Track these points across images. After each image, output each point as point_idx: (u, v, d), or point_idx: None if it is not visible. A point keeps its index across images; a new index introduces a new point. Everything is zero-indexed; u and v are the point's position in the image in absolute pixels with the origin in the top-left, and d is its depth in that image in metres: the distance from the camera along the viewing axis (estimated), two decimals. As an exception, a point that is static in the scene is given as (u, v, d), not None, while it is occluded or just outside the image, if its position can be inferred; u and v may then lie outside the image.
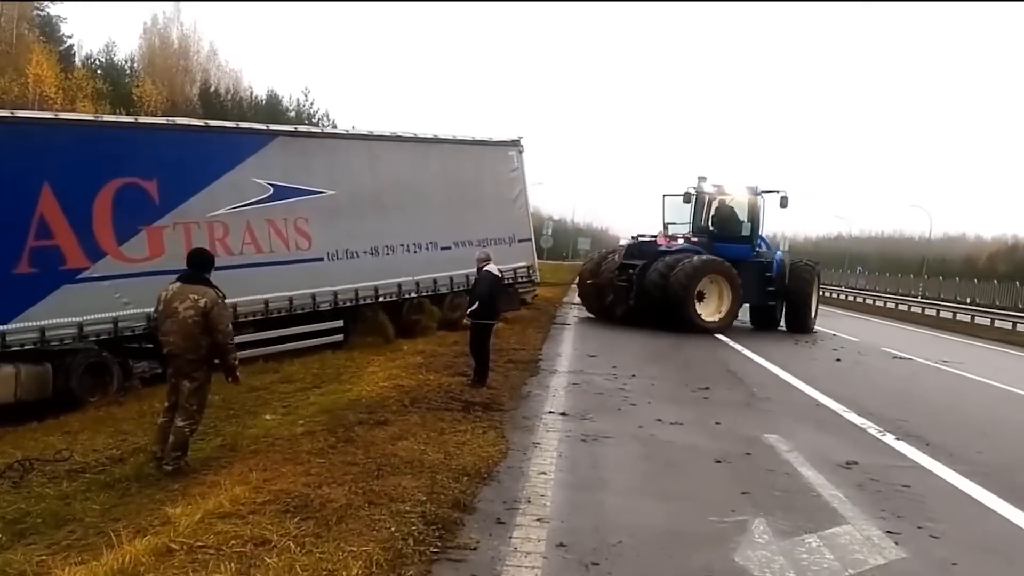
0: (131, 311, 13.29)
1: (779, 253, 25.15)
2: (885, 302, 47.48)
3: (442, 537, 5.64)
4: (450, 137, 20.30)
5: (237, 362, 8.00)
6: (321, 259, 16.43)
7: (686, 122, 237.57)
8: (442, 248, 18.62)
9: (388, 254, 17.69)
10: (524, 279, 21.32)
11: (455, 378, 12.32)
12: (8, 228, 12.22)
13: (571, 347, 17.53)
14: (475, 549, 5.54)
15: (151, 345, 12.73)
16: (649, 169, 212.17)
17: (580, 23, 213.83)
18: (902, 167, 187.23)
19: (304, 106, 74.76)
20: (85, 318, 12.91)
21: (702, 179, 23.98)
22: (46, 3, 59.88)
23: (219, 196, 14.86)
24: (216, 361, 7.93)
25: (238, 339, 13.91)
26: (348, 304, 16.85)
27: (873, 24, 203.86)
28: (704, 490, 7.48)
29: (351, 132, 18.80)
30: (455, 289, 18.88)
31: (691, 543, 6.03)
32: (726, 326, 21.66)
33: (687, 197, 23.72)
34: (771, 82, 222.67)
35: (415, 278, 18.14)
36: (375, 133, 18.68)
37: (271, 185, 15.68)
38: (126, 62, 65.44)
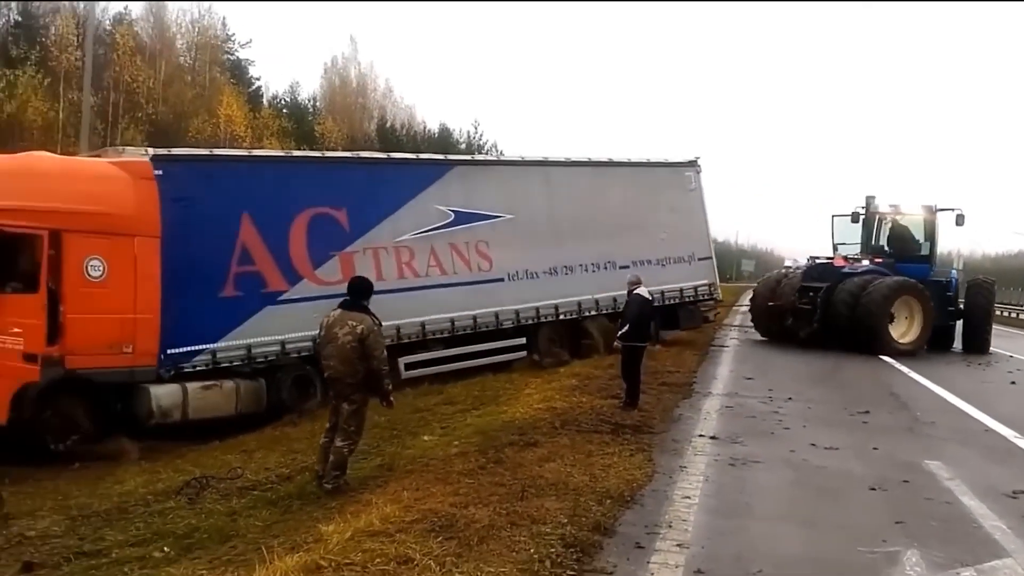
0: None
1: (953, 271, 24.53)
2: (1070, 322, 43.78)
3: (580, 560, 5.76)
4: (625, 160, 20.94)
5: (391, 387, 8.40)
6: (502, 279, 17.34)
7: (851, 140, 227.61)
8: (620, 267, 18.83)
9: (567, 274, 18.37)
10: (705, 296, 21.41)
11: (607, 400, 12.37)
12: (214, 256, 13.46)
13: (728, 369, 17.31)
14: (611, 573, 5.63)
15: None
16: (814, 188, 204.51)
17: (741, 45, 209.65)
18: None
19: (474, 138, 76.62)
20: (287, 336, 14.03)
21: (871, 198, 23.55)
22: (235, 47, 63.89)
23: (404, 223, 15.98)
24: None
25: (429, 355, 15.61)
26: (530, 322, 17.66)
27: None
28: (855, 518, 7.31)
29: (527, 159, 19.52)
30: None
31: (837, 574, 5.93)
32: (918, 349, 21.07)
33: (855, 217, 23.35)
34: (938, 97, 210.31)
35: (595, 296, 18.62)
36: (551, 159, 19.51)
37: (452, 211, 16.70)
38: (309, 101, 68.81)
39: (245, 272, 13.81)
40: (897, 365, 18.72)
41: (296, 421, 13.36)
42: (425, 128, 75.47)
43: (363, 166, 16.91)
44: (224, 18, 63.58)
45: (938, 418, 12.58)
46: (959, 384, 16.21)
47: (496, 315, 17.07)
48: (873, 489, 8.26)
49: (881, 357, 19.82)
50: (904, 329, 21.07)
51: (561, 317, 18.15)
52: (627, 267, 18.62)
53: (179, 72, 56.35)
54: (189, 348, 13.21)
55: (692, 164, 21.53)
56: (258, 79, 66.98)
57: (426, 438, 10.46)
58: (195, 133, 48.92)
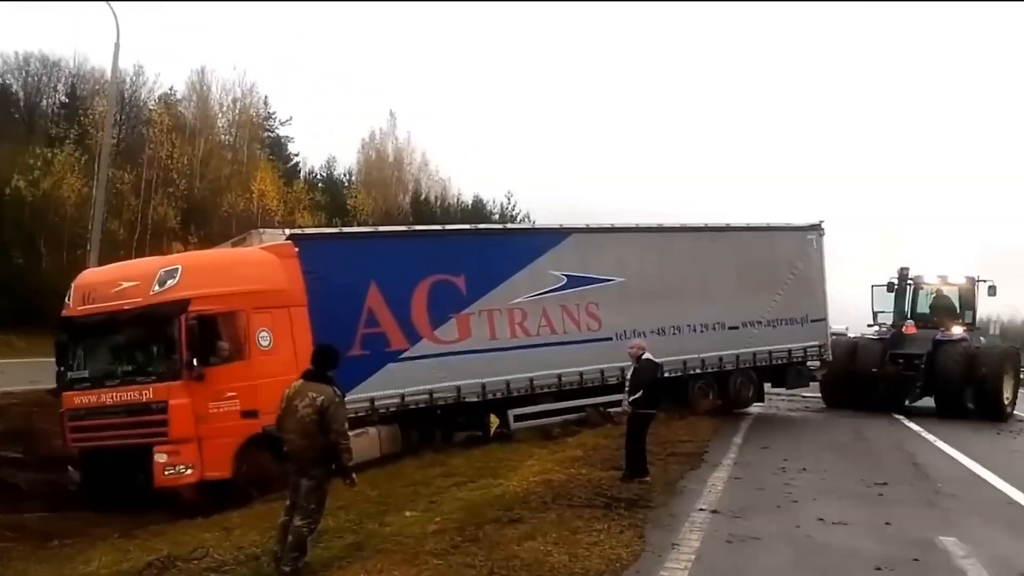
0: (444, 384, 15.81)
1: (981, 339, 25.01)
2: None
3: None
4: (741, 225, 21.29)
5: (351, 462, 7.86)
6: (610, 339, 17.85)
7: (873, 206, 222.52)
8: (729, 328, 19.50)
9: (674, 333, 18.92)
10: (815, 357, 21.59)
11: (608, 472, 11.83)
12: (344, 319, 14.56)
13: (743, 438, 16.68)
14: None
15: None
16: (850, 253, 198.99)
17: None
18: None
19: (507, 208, 76.64)
20: (406, 389, 15.30)
21: (905, 269, 24.39)
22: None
23: (518, 287, 17.12)
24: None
25: (536, 408, 17.10)
26: None
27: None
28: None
29: (640, 226, 20.11)
30: (741, 366, 19.80)
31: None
32: (1012, 413, 21.87)
33: (891, 286, 24.17)
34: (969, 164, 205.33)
35: (700, 356, 19.02)
36: (664, 225, 20.47)
37: (564, 276, 17.71)
38: (345, 175, 69.77)
39: (371, 333, 15.09)
40: (923, 432, 17.95)
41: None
42: (459, 200, 75.84)
43: (480, 237, 18.73)
44: (266, 97, 64.44)
45: (959, 490, 11.88)
46: (986, 453, 15.37)
47: (601, 372, 17.62)
48: (879, 569, 7.67)
49: (907, 425, 19.16)
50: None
51: (667, 375, 17.98)
52: (736, 328, 19.60)
53: (218, 149, 57.30)
54: None
55: (815, 228, 21.68)
56: (296, 155, 68.01)
57: (408, 514, 9.93)
58: (228, 207, 49.46)
